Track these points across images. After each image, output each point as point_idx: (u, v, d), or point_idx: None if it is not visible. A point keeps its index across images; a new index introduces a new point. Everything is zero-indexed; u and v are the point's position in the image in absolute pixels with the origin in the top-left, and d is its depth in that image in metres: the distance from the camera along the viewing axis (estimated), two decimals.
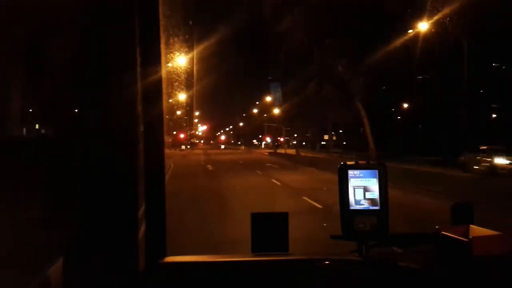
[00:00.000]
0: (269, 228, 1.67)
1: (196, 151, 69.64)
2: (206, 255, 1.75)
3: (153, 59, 1.59)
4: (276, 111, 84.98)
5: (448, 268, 1.47)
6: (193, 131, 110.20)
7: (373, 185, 1.57)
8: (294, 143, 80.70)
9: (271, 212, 1.70)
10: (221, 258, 1.74)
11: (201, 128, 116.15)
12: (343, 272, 1.55)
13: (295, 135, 78.69)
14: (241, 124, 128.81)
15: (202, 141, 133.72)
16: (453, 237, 1.47)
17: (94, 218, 1.42)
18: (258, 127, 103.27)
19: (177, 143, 77.63)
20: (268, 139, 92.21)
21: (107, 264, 1.39)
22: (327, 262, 1.55)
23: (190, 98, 72.63)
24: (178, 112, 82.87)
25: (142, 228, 1.54)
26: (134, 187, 1.46)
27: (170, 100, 65.27)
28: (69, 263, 1.38)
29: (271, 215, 1.70)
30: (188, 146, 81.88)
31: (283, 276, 1.56)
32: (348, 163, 1.59)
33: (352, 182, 1.57)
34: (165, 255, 1.63)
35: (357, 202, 1.56)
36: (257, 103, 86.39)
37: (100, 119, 1.43)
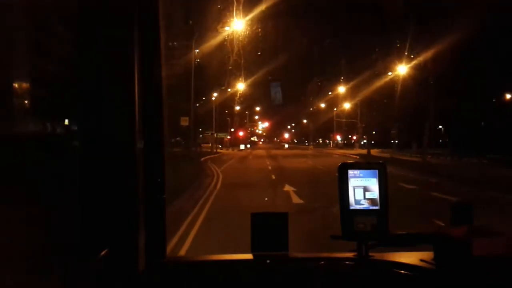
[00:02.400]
0: (269, 228, 1.66)
1: (258, 151, 60.00)
2: (206, 255, 1.76)
3: (153, 59, 1.59)
4: (347, 105, 74.09)
5: (448, 268, 1.45)
6: (254, 128, 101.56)
7: (373, 185, 1.55)
8: (364, 142, 69.30)
9: (271, 212, 1.69)
10: (221, 258, 1.73)
11: (261, 126, 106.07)
12: (343, 272, 1.55)
13: (374, 132, 67.00)
14: (304, 121, 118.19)
15: (261, 140, 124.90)
16: (453, 237, 1.46)
17: (94, 218, 1.43)
18: (324, 124, 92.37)
19: (235, 142, 69.09)
20: (339, 137, 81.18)
21: (107, 264, 1.39)
22: (327, 262, 1.56)
23: (250, 88, 63.72)
24: (237, 108, 73.88)
25: (142, 228, 1.54)
26: (134, 187, 1.47)
27: (229, 90, 56.16)
28: (69, 263, 1.38)
29: (271, 215, 1.69)
30: (248, 146, 72.93)
31: (283, 276, 1.57)
32: (348, 162, 1.58)
33: (352, 182, 1.56)
34: (165, 255, 1.64)
35: (357, 202, 1.55)
36: (330, 93, 75.67)
37: (100, 119, 1.43)
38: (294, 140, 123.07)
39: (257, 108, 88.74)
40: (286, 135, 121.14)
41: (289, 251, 1.66)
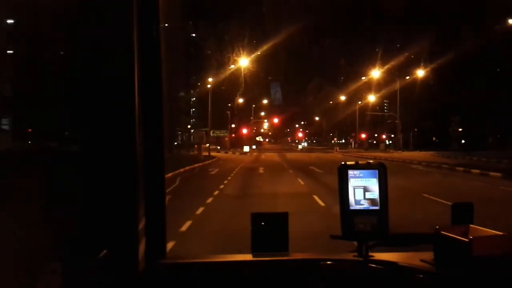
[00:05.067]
0: (269, 228, 1.66)
1: (268, 155, 45.24)
2: (206, 256, 1.79)
3: (153, 56, 1.59)
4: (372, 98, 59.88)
5: (448, 268, 1.46)
6: (261, 125, 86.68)
7: (373, 185, 1.55)
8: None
9: (271, 212, 1.69)
10: (221, 258, 1.72)
11: (268, 123, 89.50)
12: (343, 272, 1.55)
13: (415, 129, 52.37)
14: (317, 118, 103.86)
15: (266, 140, 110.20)
16: (453, 237, 1.45)
17: (94, 218, 1.43)
18: (344, 121, 78.09)
19: (237, 142, 54.62)
20: (364, 136, 66.48)
21: (107, 264, 1.38)
22: (327, 262, 1.56)
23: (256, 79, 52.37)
24: (240, 100, 59.55)
25: (142, 228, 1.54)
26: (134, 187, 1.46)
27: (232, 66, 43.84)
28: (69, 263, 1.38)
29: (271, 215, 1.69)
30: (254, 147, 58.37)
31: (283, 276, 1.57)
32: (348, 163, 1.58)
33: (352, 182, 1.55)
34: (165, 256, 1.64)
35: (357, 202, 1.55)
36: (363, 78, 61.84)
37: (100, 120, 1.43)
38: (303, 140, 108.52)
39: (264, 101, 74.06)
40: (300, 134, 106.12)
41: (289, 251, 1.65)
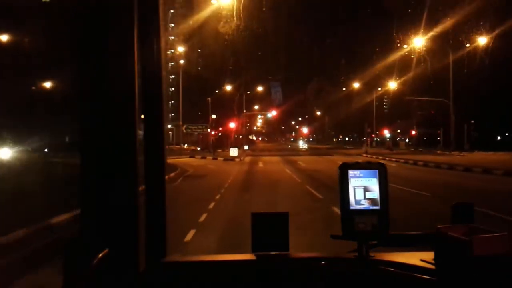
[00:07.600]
0: (270, 228, 1.67)
1: (268, 161, 30.55)
2: (207, 255, 1.77)
3: (154, 55, 1.60)
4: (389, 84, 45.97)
5: (448, 268, 1.46)
6: (255, 120, 72.08)
7: (373, 185, 1.56)
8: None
9: (271, 212, 1.70)
10: (221, 258, 1.73)
11: (268, 115, 74.06)
12: (343, 272, 1.56)
13: (472, 121, 38.29)
14: (318, 113, 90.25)
15: (259, 138, 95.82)
16: (453, 237, 1.46)
17: (94, 218, 1.44)
18: (352, 116, 64.23)
19: (227, 141, 40.18)
20: (387, 133, 52.36)
21: (107, 264, 1.39)
22: (327, 262, 1.57)
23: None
24: (228, 88, 45.03)
25: (142, 228, 1.55)
26: (134, 187, 1.47)
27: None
28: (69, 263, 1.38)
29: (272, 215, 1.70)
30: (246, 147, 43.96)
31: (283, 276, 1.58)
32: (348, 162, 1.59)
33: (353, 182, 1.56)
34: (165, 255, 1.65)
35: (357, 202, 1.55)
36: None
37: (100, 118, 1.44)
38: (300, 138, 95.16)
39: (259, 88, 59.65)
40: (305, 130, 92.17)
41: (290, 251, 1.66)
